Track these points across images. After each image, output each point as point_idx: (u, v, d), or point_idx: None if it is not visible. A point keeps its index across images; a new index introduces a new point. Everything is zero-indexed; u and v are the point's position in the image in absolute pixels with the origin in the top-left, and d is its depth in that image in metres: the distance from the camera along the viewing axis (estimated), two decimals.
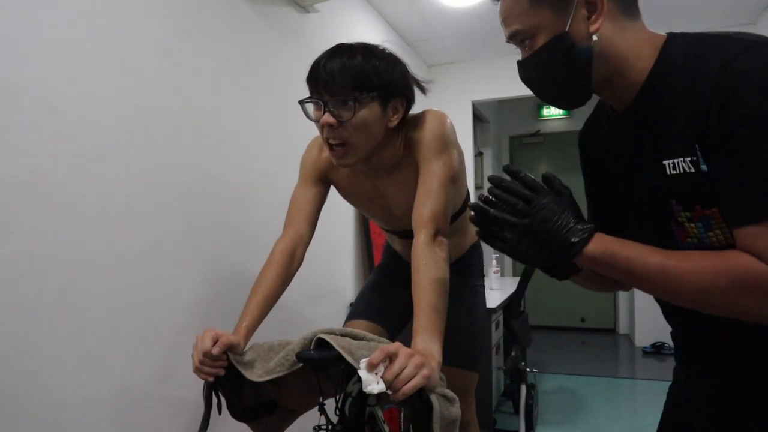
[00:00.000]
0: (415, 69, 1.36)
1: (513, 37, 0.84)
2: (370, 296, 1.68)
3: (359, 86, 1.14)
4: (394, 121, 1.21)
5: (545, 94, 0.89)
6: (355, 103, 1.14)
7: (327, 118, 1.15)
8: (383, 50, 1.23)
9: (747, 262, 0.68)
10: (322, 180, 1.40)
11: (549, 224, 0.78)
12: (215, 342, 1.07)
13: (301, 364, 1.00)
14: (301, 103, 1.20)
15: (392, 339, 1.56)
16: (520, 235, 0.80)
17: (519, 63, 0.87)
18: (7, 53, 1.09)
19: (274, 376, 1.02)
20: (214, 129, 1.70)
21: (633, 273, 0.76)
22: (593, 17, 0.79)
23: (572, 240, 0.77)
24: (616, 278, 0.79)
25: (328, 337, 0.96)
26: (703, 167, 0.73)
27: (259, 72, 1.95)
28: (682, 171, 0.75)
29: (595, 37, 0.78)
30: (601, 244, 0.77)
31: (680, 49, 0.77)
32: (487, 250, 4.96)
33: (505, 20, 0.85)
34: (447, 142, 1.22)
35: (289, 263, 1.31)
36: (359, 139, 1.18)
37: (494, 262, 3.44)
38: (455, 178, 1.24)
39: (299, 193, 1.39)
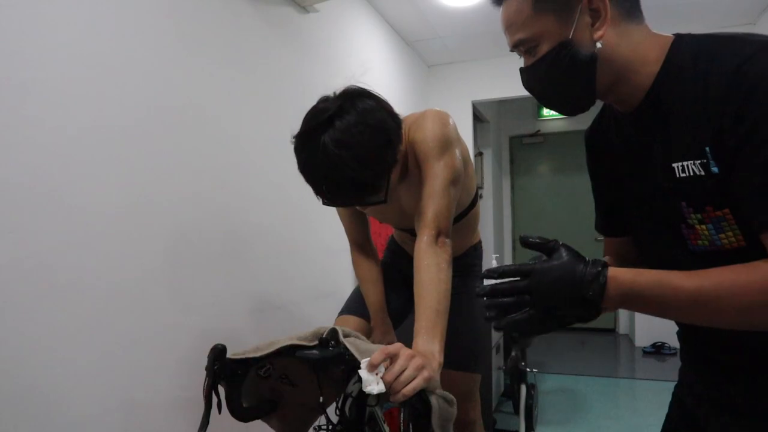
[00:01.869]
0: (415, 69, 1.36)
1: (516, 46, 0.84)
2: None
3: (380, 188, 1.14)
4: (400, 148, 1.20)
5: (549, 101, 0.88)
6: (384, 199, 1.17)
7: (362, 208, 1.30)
8: (358, 128, 1.07)
9: None
10: None
11: (555, 296, 0.73)
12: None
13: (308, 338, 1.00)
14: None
15: None
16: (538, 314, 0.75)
17: (522, 70, 0.86)
18: (6, 53, 1.09)
19: (281, 345, 1.02)
20: (213, 129, 1.70)
21: (666, 303, 0.72)
22: (597, 24, 0.78)
23: (588, 295, 0.72)
24: (648, 313, 0.75)
25: (340, 330, 0.96)
26: (714, 169, 0.72)
27: (259, 72, 1.95)
28: (692, 173, 0.75)
29: (599, 44, 0.78)
30: (620, 284, 0.73)
31: (688, 50, 0.76)
32: (487, 250, 4.99)
33: (509, 29, 0.84)
34: (448, 143, 1.22)
35: (374, 264, 1.55)
36: (390, 192, 1.21)
37: (494, 262, 3.44)
38: (457, 178, 1.24)
39: (339, 215, 1.55)
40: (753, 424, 0.81)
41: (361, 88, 1.16)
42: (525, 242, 0.78)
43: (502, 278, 0.77)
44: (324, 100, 1.13)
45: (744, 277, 0.68)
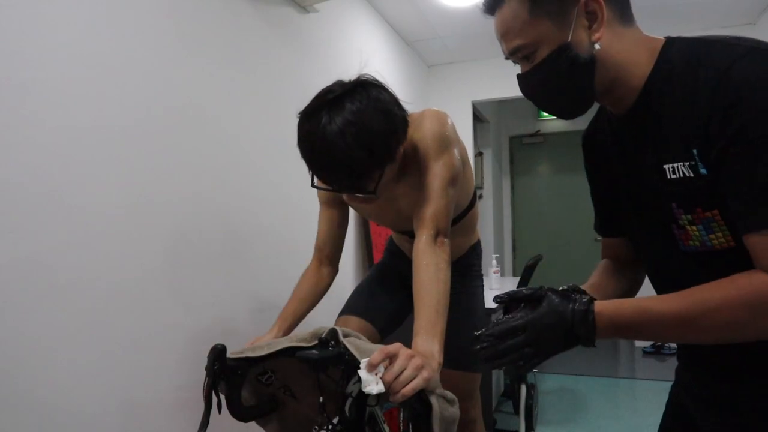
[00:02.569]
0: (415, 69, 1.36)
1: (514, 53, 0.84)
2: (363, 294, 1.68)
3: (371, 175, 1.11)
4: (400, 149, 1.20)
5: (548, 106, 0.88)
6: (374, 191, 1.14)
7: (352, 201, 1.25)
8: (365, 109, 1.07)
9: (760, 284, 0.68)
10: (336, 201, 1.41)
11: (551, 343, 0.79)
12: None
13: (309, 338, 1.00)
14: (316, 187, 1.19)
15: (383, 338, 1.56)
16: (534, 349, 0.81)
17: (520, 76, 0.86)
18: (6, 53, 1.09)
19: (281, 346, 1.01)
20: (213, 129, 1.70)
21: (652, 329, 0.77)
22: (594, 26, 0.79)
23: (580, 334, 0.78)
24: (640, 339, 0.80)
25: (339, 330, 0.97)
26: (702, 171, 0.73)
27: (259, 72, 1.95)
28: (681, 175, 0.76)
29: (597, 46, 0.78)
30: (606, 319, 0.77)
31: (678, 53, 0.77)
32: (487, 250, 4.97)
33: (504, 36, 0.84)
34: (447, 142, 1.22)
35: (316, 282, 1.42)
36: (382, 190, 1.19)
37: (494, 262, 3.44)
38: (456, 178, 1.24)
39: (320, 216, 1.46)
40: (749, 424, 0.81)
41: (376, 79, 1.16)
42: (514, 298, 0.84)
43: (502, 338, 0.81)
44: (338, 84, 1.13)
45: (721, 295, 0.70)
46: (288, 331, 1.33)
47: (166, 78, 1.51)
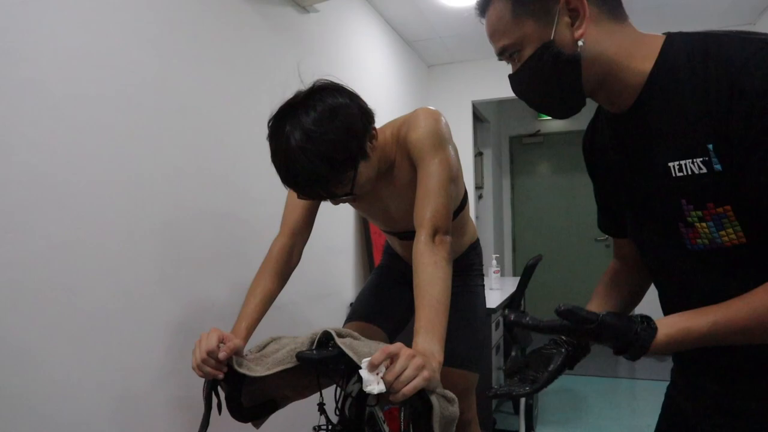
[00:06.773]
0: (415, 69, 1.35)
1: (502, 53, 0.85)
2: (369, 298, 1.68)
3: (340, 180, 1.12)
4: (375, 144, 1.20)
5: (539, 105, 0.89)
6: (348, 193, 1.15)
7: (337, 202, 1.22)
8: (320, 118, 1.08)
9: None
10: None
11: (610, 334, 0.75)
12: (221, 341, 1.07)
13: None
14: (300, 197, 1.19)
15: (392, 340, 1.56)
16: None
17: (510, 77, 0.87)
18: (6, 53, 1.09)
19: (283, 367, 1.02)
20: (213, 129, 1.70)
21: (723, 338, 0.72)
22: (577, 23, 0.79)
23: (639, 345, 0.73)
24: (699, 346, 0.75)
25: (333, 332, 0.97)
26: (717, 167, 0.71)
27: (258, 72, 1.95)
28: (690, 172, 0.74)
29: (580, 43, 0.78)
30: (667, 329, 0.73)
31: (682, 48, 0.76)
32: (487, 250, 4.95)
33: (492, 37, 0.85)
34: (442, 140, 1.22)
35: (287, 261, 1.34)
36: (364, 188, 1.20)
37: (494, 262, 3.43)
38: (454, 176, 1.23)
39: (288, 194, 1.40)
40: (744, 425, 0.81)
41: (331, 82, 1.16)
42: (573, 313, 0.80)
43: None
44: (296, 95, 1.15)
45: None
46: (262, 311, 1.26)
47: (165, 78, 1.50)
